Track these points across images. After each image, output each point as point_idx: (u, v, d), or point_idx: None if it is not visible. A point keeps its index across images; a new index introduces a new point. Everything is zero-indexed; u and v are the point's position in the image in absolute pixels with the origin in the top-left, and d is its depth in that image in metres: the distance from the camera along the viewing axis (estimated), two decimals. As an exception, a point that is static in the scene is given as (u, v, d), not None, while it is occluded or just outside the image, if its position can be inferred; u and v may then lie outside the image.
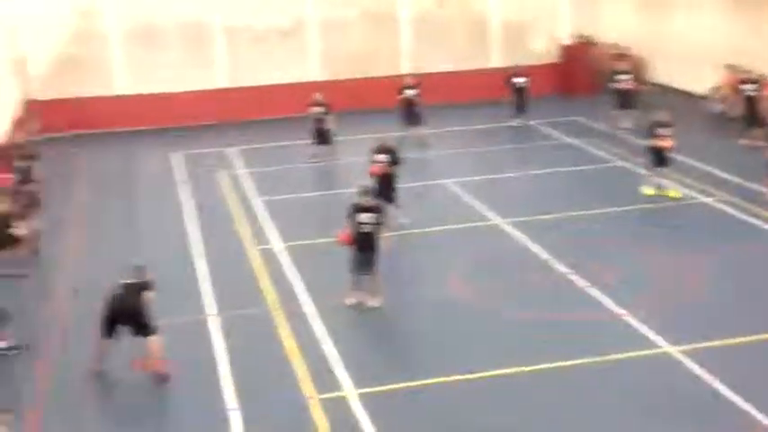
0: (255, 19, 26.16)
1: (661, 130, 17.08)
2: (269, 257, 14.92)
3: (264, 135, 23.52)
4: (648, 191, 17.20)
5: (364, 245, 12.35)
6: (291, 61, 26.52)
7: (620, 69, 22.95)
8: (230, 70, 25.96)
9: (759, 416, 9.47)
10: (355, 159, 19.35)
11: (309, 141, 20.74)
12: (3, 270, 11.61)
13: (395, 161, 15.79)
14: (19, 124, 21.28)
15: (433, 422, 9.85)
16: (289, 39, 26.55)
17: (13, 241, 14.09)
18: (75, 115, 24.30)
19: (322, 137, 20.63)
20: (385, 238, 12.55)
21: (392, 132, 21.42)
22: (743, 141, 20.39)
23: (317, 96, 20.87)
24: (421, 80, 22.56)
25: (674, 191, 17.11)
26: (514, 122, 23.31)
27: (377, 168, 15.57)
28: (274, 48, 26.50)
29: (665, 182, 17.21)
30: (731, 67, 23.89)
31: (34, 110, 24.29)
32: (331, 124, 20.62)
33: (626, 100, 22.48)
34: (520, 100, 23.30)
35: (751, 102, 20.71)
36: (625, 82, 22.49)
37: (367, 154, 16.36)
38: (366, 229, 12.35)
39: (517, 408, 10.06)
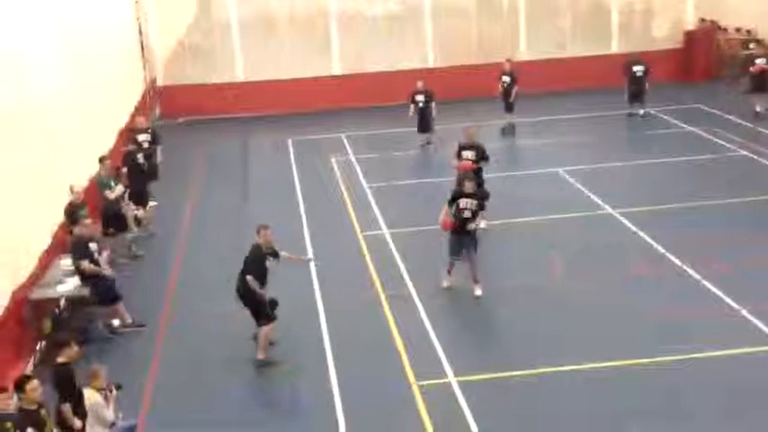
0: (370, 5, 26.27)
1: None
2: (376, 243, 15.04)
3: (378, 122, 23.68)
4: None
5: (462, 230, 12.46)
6: (406, 48, 26.55)
7: (758, 53, 22.20)
8: (345, 57, 26.23)
9: None
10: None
11: (416, 129, 20.90)
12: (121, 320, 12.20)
13: (482, 157, 15.25)
14: (143, 109, 22.14)
15: (532, 414, 9.74)
16: (403, 25, 26.57)
17: (127, 223, 14.68)
18: (195, 101, 25.11)
19: (424, 124, 20.75)
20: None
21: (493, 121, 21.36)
22: None
23: (420, 84, 20.93)
24: (518, 67, 22.29)
25: None
26: (631, 111, 22.61)
27: (466, 165, 14.97)
28: (389, 34, 26.57)
29: None
30: None
31: (157, 95, 25.29)
32: (433, 112, 20.67)
33: (761, 83, 21.76)
34: (638, 89, 22.39)
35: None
36: (761, 65, 21.70)
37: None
38: (465, 214, 12.50)
39: (621, 403, 9.83)
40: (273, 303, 11.16)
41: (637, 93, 22.36)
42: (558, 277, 13.28)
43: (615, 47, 27.10)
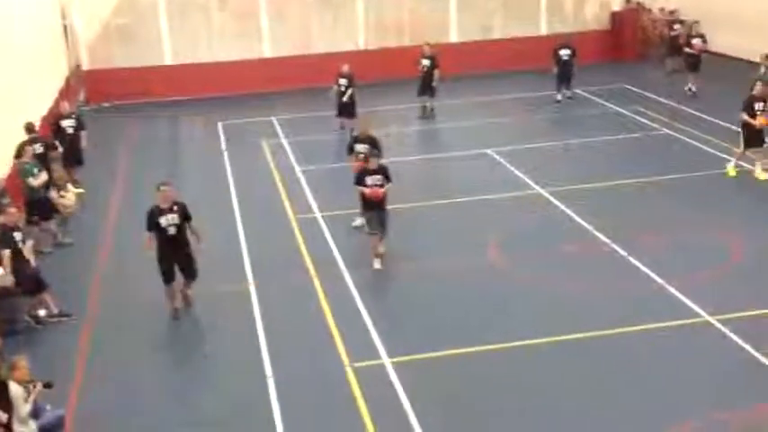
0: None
1: (757, 106, 15.95)
2: (309, 225, 14.99)
3: (310, 105, 23.53)
4: (732, 171, 16.19)
5: (374, 205, 13.07)
6: (337, 31, 26.47)
7: (695, 33, 22.61)
8: (275, 40, 25.99)
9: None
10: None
11: (334, 113, 20.61)
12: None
13: (372, 153, 13.90)
14: (66, 94, 21.60)
15: (469, 392, 9.84)
16: (335, 7, 26.45)
17: (54, 208, 14.37)
18: (122, 85, 24.59)
19: (344, 109, 20.34)
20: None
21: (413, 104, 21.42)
22: None
23: (344, 68, 20.55)
24: (449, 49, 22.31)
25: (763, 173, 15.97)
26: (559, 96, 22.61)
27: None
28: (320, 17, 26.43)
29: (757, 163, 16.16)
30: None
31: (81, 79, 24.68)
32: (354, 96, 20.24)
33: (696, 63, 22.32)
34: (565, 72, 22.40)
35: None
36: (700, 45, 22.23)
37: (394, 125, 16.22)
38: (376, 184, 13.05)
39: (556, 379, 10.01)
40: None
41: (565, 76, 22.40)
42: (488, 256, 13.41)
43: (544, 28, 27.43)
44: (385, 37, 26.62)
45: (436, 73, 21.20)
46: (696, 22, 22.86)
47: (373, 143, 14.55)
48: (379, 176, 13.08)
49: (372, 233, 13.21)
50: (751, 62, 24.89)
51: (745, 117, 16.00)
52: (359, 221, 14.18)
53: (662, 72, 25.11)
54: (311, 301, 12.23)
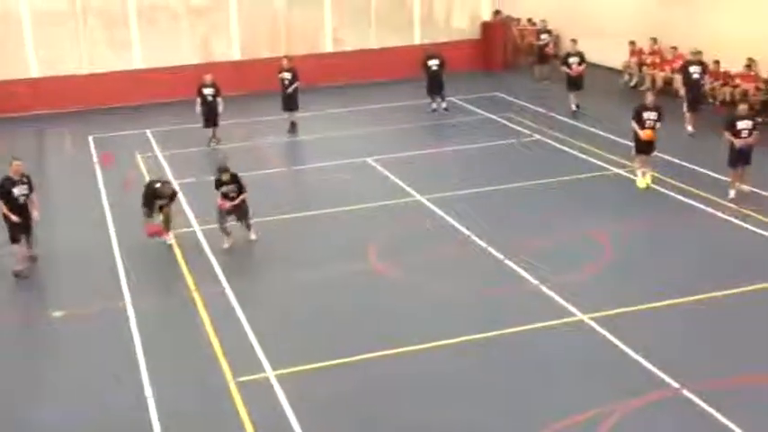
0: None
1: (646, 115, 16.17)
2: (186, 238, 14.70)
3: (185, 117, 23.06)
4: (641, 183, 16.28)
5: (232, 208, 14.45)
6: (211, 40, 26.13)
7: (573, 51, 22.21)
8: (147, 50, 25.42)
9: (662, 375, 9.83)
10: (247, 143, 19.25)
11: (201, 124, 20.39)
12: None
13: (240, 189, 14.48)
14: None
15: (355, 401, 9.85)
16: (209, 17, 26.11)
17: None
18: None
19: (210, 119, 20.16)
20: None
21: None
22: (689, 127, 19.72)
23: (207, 78, 20.28)
24: (323, 59, 22.25)
25: (643, 181, 16.22)
26: (434, 105, 22.56)
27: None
28: (194, 27, 26.03)
29: (645, 170, 16.36)
30: (633, 43, 25.32)
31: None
32: (220, 107, 20.07)
33: (576, 83, 22.08)
34: (435, 83, 22.32)
35: (696, 84, 20.03)
36: (576, 68, 21.94)
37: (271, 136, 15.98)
38: (231, 195, 14.33)
39: (439, 381, 10.13)
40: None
41: (435, 87, 22.33)
42: (369, 264, 13.48)
43: (418, 38, 27.88)
44: (260, 48, 26.44)
45: (296, 86, 20.77)
46: (573, 40, 22.89)
47: (236, 180, 14.47)
48: (232, 186, 14.39)
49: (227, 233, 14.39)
50: (611, 69, 26.27)
51: (634, 126, 16.27)
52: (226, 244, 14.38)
53: (531, 80, 25.95)
54: (191, 316, 11.98)
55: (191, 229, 15.24)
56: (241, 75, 25.42)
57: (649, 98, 16.54)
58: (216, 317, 11.88)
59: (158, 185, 14.51)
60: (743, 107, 15.57)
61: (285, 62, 21.13)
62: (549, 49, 26.33)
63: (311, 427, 9.28)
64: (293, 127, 21.20)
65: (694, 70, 20.04)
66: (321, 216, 15.71)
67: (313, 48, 26.86)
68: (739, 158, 15.37)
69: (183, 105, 23.68)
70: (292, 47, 26.52)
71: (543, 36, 26.25)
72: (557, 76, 24.30)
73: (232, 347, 11.03)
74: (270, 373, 10.39)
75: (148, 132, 21.88)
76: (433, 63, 22.27)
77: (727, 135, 15.35)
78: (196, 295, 12.58)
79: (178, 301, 12.50)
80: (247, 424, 9.38)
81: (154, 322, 11.91)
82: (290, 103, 21.06)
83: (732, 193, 15.37)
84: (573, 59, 21.94)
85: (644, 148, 16.34)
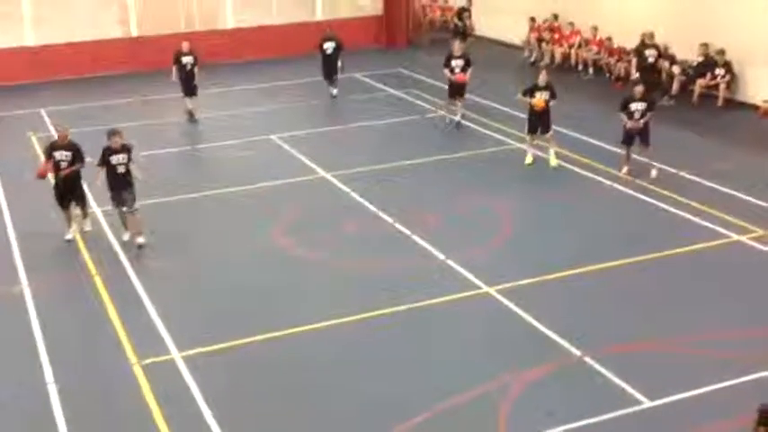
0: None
1: (538, 95, 16.05)
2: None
3: (82, 94, 22.41)
4: (528, 159, 16.45)
5: (119, 183, 13.22)
6: (107, 17, 25.33)
7: (455, 54, 18.80)
8: (39, 27, 24.49)
9: (564, 343, 10.09)
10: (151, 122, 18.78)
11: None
12: None
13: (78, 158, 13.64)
14: None
15: (262, 380, 9.80)
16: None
17: None
18: None
19: (189, 88, 19.80)
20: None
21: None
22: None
23: (185, 46, 19.89)
24: (227, 34, 21.72)
25: (554, 159, 16.21)
26: (334, 92, 21.63)
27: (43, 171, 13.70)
28: (88, 2, 25.17)
29: (549, 148, 16.35)
30: (533, 20, 25.71)
31: None
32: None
33: (458, 90, 18.98)
34: (329, 67, 21.33)
35: (652, 68, 19.60)
36: (458, 69, 18.57)
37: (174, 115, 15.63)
38: (120, 169, 13.17)
39: (345, 357, 10.16)
40: None
41: (329, 71, 21.40)
42: (276, 242, 13.39)
43: (320, 14, 27.68)
44: (159, 24, 25.77)
45: (196, 71, 19.87)
46: (462, 39, 21.50)
47: (74, 148, 13.64)
48: (124, 155, 13.23)
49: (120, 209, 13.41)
50: (508, 44, 26.76)
51: (522, 98, 16.29)
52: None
53: (431, 55, 26.11)
54: (93, 299, 11.68)
55: (89, 210, 14.79)
56: (137, 52, 24.82)
57: (542, 77, 16.20)
58: (118, 299, 11.61)
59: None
60: (638, 89, 15.69)
61: (186, 46, 20.15)
62: (469, 27, 26.57)
63: (219, 408, 9.17)
64: (192, 116, 20.18)
65: (650, 53, 19.47)
66: (225, 195, 15.50)
67: (213, 24, 26.38)
68: (631, 138, 15.66)
69: (79, 84, 23.04)
70: (192, 23, 26.02)
71: (447, 13, 26.48)
72: (473, 54, 24.61)
73: (135, 330, 10.80)
74: (175, 355, 10.22)
75: (43, 111, 21.10)
76: (329, 46, 21.32)
77: (621, 115, 15.61)
78: (97, 278, 12.26)
79: (78, 284, 12.16)
80: (154, 407, 9.21)
81: (53, 306, 11.56)
82: (191, 88, 20.07)
83: (624, 170, 15.66)
84: (456, 63, 18.70)
85: (535, 124, 16.31)
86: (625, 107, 15.61)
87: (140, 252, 13.03)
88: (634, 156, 15.73)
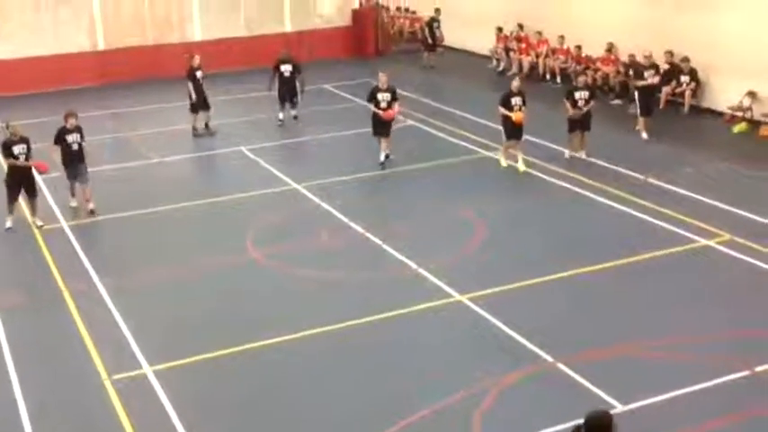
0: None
1: (514, 101, 16.38)
2: (54, 236, 14.14)
3: (29, 111, 22.17)
4: (503, 162, 16.75)
5: (74, 159, 15.05)
6: (72, 28, 25.14)
7: (381, 87, 16.99)
8: (4, 41, 24.27)
9: (536, 350, 10.14)
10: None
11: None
12: None
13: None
14: None
15: (235, 392, 9.71)
16: (69, 3, 25.10)
17: None
18: None
19: (202, 101, 19.63)
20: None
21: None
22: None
23: (197, 60, 19.68)
24: (165, 51, 21.45)
25: (522, 165, 16.46)
26: (280, 116, 20.44)
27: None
28: (52, 13, 24.96)
29: (517, 155, 16.64)
30: (500, 30, 26.03)
31: None
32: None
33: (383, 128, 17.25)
34: (288, 89, 20.26)
35: (650, 88, 18.62)
36: (384, 103, 16.78)
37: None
38: (74, 147, 15.02)
39: (318, 369, 10.11)
40: None
41: (288, 94, 20.29)
42: (247, 254, 13.32)
43: (289, 26, 27.70)
44: (126, 37, 25.63)
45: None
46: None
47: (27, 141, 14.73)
48: (77, 134, 15.07)
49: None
50: (475, 54, 27.00)
51: (503, 111, 16.53)
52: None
53: (417, 66, 26.27)
54: (62, 315, 11.53)
55: (57, 225, 14.66)
56: (105, 64, 24.68)
57: (515, 84, 16.82)
58: (87, 314, 11.48)
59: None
60: (581, 79, 17.64)
61: (197, 61, 19.83)
62: (439, 37, 26.71)
63: (192, 422, 9.09)
64: (208, 129, 19.90)
65: (648, 75, 18.52)
66: (195, 207, 15.42)
67: (182, 36, 26.30)
68: (576, 125, 17.00)
69: (46, 97, 22.81)
70: (160, 35, 25.92)
71: (415, 24, 26.65)
72: (442, 64, 25.49)
73: (106, 345, 10.68)
74: (147, 369, 10.12)
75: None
76: (286, 69, 20.27)
77: (566, 104, 16.98)
78: (65, 292, 12.13)
79: (46, 298, 12.02)
80: (126, 423, 9.11)
81: (20, 320, 11.41)
82: (204, 104, 19.78)
83: (567, 154, 17.06)
84: (383, 96, 16.89)
85: (514, 132, 16.68)
86: (570, 96, 16.99)
87: (110, 264, 12.90)
88: (604, 163, 15.91)
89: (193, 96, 19.48)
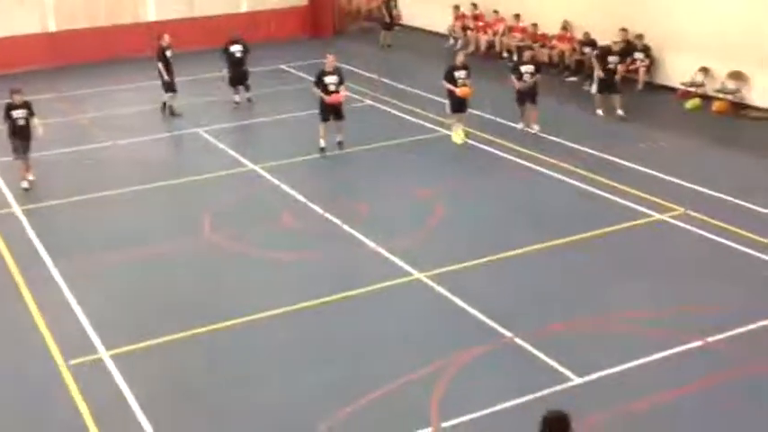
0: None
1: (457, 74, 16.59)
2: (7, 221, 13.91)
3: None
4: (457, 139, 16.81)
5: (20, 134, 15.22)
6: (21, 10, 24.62)
7: (328, 69, 16.87)
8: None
9: (495, 326, 10.21)
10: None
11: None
12: None
13: None
14: None
15: (193, 376, 9.67)
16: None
17: None
18: None
19: (173, 83, 19.33)
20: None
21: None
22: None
23: (166, 39, 19.25)
24: (152, 27, 21.23)
25: (457, 137, 16.78)
26: (236, 99, 20.15)
27: None
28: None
29: (456, 126, 16.87)
30: (457, 8, 26.00)
31: None
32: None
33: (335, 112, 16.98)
34: (239, 71, 19.85)
35: (614, 72, 18.22)
36: (333, 86, 16.66)
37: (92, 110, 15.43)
38: (20, 122, 15.11)
39: (277, 350, 10.10)
40: None
41: (239, 76, 19.91)
42: (206, 236, 13.22)
43: (245, 6, 27.40)
44: (78, 18, 25.16)
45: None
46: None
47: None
48: (24, 111, 15.20)
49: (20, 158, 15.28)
50: (433, 32, 26.98)
51: (448, 85, 16.72)
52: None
53: (376, 47, 26.17)
54: (16, 301, 11.36)
55: (9, 210, 14.41)
56: (56, 46, 24.24)
57: (459, 58, 17.08)
58: (41, 299, 11.32)
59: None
60: (527, 53, 17.92)
61: (166, 40, 19.37)
62: (396, 16, 26.62)
63: (150, 406, 9.02)
64: (173, 111, 19.58)
65: (612, 60, 18.19)
66: (153, 189, 15.24)
67: (135, 17, 25.89)
68: (524, 98, 17.39)
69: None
70: (112, 16, 25.49)
71: (373, 3, 26.55)
72: (399, 43, 25.50)
73: (61, 330, 10.55)
74: (103, 354, 10.02)
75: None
76: (237, 49, 19.74)
77: (512, 77, 17.43)
78: (18, 277, 11.94)
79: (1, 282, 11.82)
80: (83, 408, 9.01)
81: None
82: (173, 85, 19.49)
83: (520, 126, 17.47)
84: (330, 79, 16.71)
85: (459, 106, 16.90)
86: (516, 70, 17.48)
87: (65, 249, 12.73)
88: (559, 139, 16.02)
89: (165, 76, 19.13)
